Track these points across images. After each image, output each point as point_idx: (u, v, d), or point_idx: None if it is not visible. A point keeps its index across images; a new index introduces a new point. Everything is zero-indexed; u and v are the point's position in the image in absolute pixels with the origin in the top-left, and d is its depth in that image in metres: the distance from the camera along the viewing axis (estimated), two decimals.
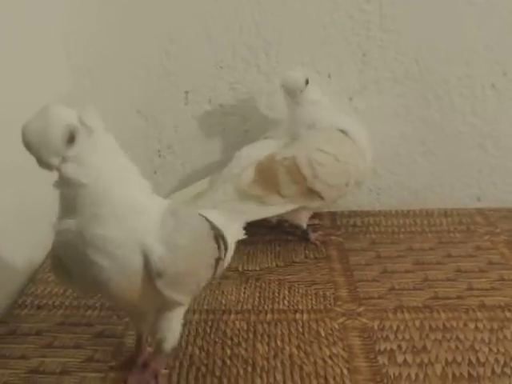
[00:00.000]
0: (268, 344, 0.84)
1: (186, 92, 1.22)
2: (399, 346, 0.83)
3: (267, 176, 1.06)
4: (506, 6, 1.18)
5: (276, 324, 0.88)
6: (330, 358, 0.80)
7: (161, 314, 0.72)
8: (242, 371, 0.78)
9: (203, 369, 0.79)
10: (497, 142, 1.25)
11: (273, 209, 1.07)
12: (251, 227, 1.12)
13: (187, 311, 0.89)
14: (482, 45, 1.20)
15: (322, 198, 1.06)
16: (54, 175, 0.62)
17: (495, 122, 1.24)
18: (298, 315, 0.91)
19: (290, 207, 1.08)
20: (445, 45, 1.19)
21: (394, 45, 1.19)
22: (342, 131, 1.07)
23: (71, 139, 0.59)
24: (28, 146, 0.57)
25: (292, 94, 1.07)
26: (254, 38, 1.19)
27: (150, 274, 0.64)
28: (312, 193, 1.06)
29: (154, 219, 0.66)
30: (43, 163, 0.59)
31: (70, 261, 0.65)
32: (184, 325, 0.86)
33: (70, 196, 0.62)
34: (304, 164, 1.04)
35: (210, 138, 1.25)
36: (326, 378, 0.77)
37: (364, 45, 1.19)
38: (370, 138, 1.10)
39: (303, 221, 1.13)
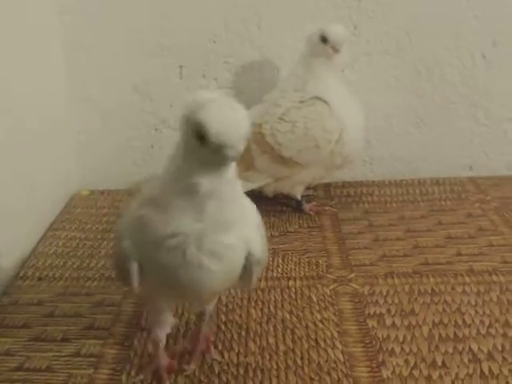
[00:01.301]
0: (261, 310, 0.87)
1: (181, 67, 1.24)
2: (388, 310, 0.86)
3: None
4: None
5: (269, 291, 0.91)
6: (321, 321, 0.83)
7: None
8: (236, 336, 0.81)
9: None
10: (487, 111, 1.27)
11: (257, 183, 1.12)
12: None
13: None
14: (471, 15, 1.21)
15: (298, 163, 1.09)
16: None
17: (485, 92, 1.26)
18: (291, 282, 0.93)
19: (267, 179, 1.12)
20: (435, 16, 1.21)
21: (384, 17, 1.21)
22: (320, 98, 1.09)
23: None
24: (221, 135, 0.54)
25: (336, 45, 1.06)
26: (246, 11, 1.20)
27: (249, 264, 0.65)
28: (285, 160, 1.09)
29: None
30: (232, 155, 0.56)
31: (163, 263, 0.62)
32: None
33: (203, 198, 0.59)
34: (268, 133, 1.08)
35: None
36: (316, 341, 0.79)
37: (355, 17, 1.21)
38: (361, 110, 1.11)
39: (297, 192, 1.16)
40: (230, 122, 0.55)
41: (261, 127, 1.09)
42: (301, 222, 1.13)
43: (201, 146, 0.56)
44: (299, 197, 1.16)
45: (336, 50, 1.06)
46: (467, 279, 0.93)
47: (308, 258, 1.00)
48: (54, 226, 1.13)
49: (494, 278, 0.93)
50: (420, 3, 1.19)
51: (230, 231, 0.62)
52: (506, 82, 1.26)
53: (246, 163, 1.10)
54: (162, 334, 0.74)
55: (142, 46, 1.22)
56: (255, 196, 1.12)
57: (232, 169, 0.60)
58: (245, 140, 0.56)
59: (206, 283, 0.63)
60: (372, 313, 0.85)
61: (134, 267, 0.64)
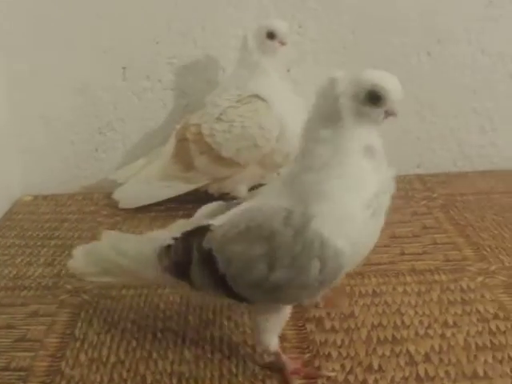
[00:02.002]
0: (199, 316, 0.85)
1: (124, 68, 1.22)
2: (328, 313, 0.84)
3: (182, 147, 1.10)
4: None
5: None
6: None
7: None
8: (171, 344, 0.79)
9: (134, 342, 0.80)
10: (434, 108, 1.27)
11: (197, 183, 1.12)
12: (192, 201, 1.14)
13: (123, 287, 0.92)
14: (416, 13, 1.21)
15: (238, 163, 1.08)
16: None
17: (431, 90, 1.26)
18: None
19: (209, 179, 1.12)
20: (380, 14, 1.21)
21: (329, 15, 1.20)
22: (258, 96, 1.08)
23: None
24: (397, 92, 0.65)
25: (284, 39, 1.06)
26: (189, 12, 1.19)
27: None
28: (225, 160, 1.08)
29: None
30: (393, 111, 0.66)
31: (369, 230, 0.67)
32: (118, 300, 0.89)
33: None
34: (207, 133, 1.08)
35: (150, 114, 1.25)
36: (253, 347, 0.78)
37: (299, 16, 1.20)
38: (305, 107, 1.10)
39: (240, 192, 1.14)
40: (396, 83, 0.65)
41: (200, 127, 1.08)
42: None
43: (373, 107, 0.65)
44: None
45: (284, 43, 1.07)
46: (409, 279, 0.92)
47: None
48: None
49: (436, 277, 0.92)
50: (364, 1, 1.19)
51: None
52: (452, 79, 1.26)
53: (186, 164, 1.10)
54: (277, 340, 0.73)
55: (84, 48, 1.20)
56: (200, 196, 1.14)
57: None
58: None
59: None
60: (311, 316, 0.84)
61: (347, 255, 0.64)
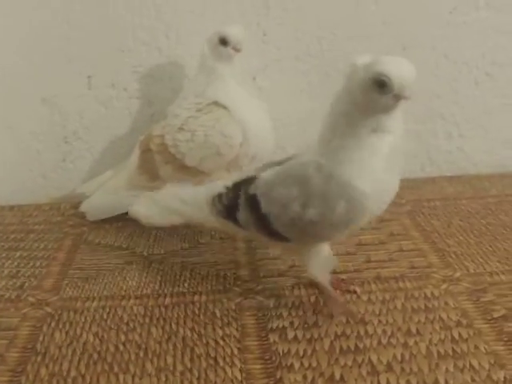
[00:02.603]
0: (163, 327, 0.84)
1: (89, 77, 1.21)
2: (291, 323, 0.84)
3: (146, 158, 1.10)
4: None
5: (173, 307, 0.89)
6: (223, 338, 0.82)
7: None
8: (133, 356, 0.79)
9: (95, 356, 0.79)
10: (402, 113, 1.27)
11: None
12: None
13: (87, 299, 0.91)
14: (380, 19, 1.21)
15: (202, 171, 1.07)
16: None
17: None
18: (196, 297, 0.91)
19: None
20: (344, 21, 1.21)
21: (294, 23, 1.20)
22: (218, 103, 1.07)
23: None
24: (405, 78, 0.70)
25: (237, 45, 1.05)
26: (153, 20, 1.18)
27: None
28: (189, 169, 1.07)
29: None
30: (411, 90, 0.71)
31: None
32: (81, 313, 0.88)
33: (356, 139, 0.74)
34: (170, 143, 1.07)
35: (116, 123, 1.24)
36: (215, 359, 0.78)
37: (264, 23, 1.20)
38: (266, 109, 1.10)
39: None
40: (403, 67, 0.71)
41: (163, 138, 1.08)
42: (213, 233, 1.11)
43: (381, 94, 0.71)
44: None
45: (238, 50, 1.06)
46: (374, 287, 0.92)
47: (217, 270, 0.99)
48: None
49: (401, 284, 0.93)
50: (329, 8, 1.19)
51: None
52: (418, 85, 1.26)
53: (152, 174, 1.09)
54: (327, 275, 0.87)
55: (49, 56, 1.19)
56: None
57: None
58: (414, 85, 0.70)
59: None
60: (275, 327, 0.84)
61: (370, 199, 0.75)
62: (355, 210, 0.76)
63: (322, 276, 0.86)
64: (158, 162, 1.08)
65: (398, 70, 0.70)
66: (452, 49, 1.25)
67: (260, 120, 1.09)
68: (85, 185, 1.21)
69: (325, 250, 0.87)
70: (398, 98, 0.72)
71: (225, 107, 1.07)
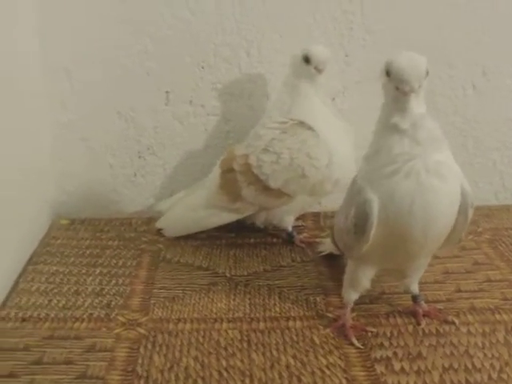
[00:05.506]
0: (263, 354, 0.82)
1: (167, 92, 1.20)
2: (395, 354, 0.82)
3: (228, 178, 1.08)
4: (485, 7, 1.19)
5: (269, 332, 0.87)
6: (328, 367, 0.79)
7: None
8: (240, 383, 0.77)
9: (200, 381, 0.77)
10: (476, 141, 1.26)
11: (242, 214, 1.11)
12: (235, 229, 1.12)
13: (178, 320, 0.89)
14: (462, 46, 1.20)
15: (287, 194, 1.06)
16: None
17: (475, 122, 1.25)
18: (290, 323, 0.89)
19: (256, 209, 1.10)
20: (426, 46, 1.17)
21: (376, 45, 1.19)
22: (303, 124, 1.06)
23: (427, 73, 0.75)
24: (402, 71, 0.74)
25: (319, 65, 1.05)
26: (235, 37, 1.17)
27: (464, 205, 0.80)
28: (272, 190, 1.06)
29: None
30: (411, 85, 0.73)
31: (401, 193, 0.75)
32: (175, 335, 0.86)
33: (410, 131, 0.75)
34: (254, 164, 1.06)
35: (191, 139, 1.23)
36: None
37: (347, 45, 1.19)
38: (350, 131, 1.10)
39: (288, 223, 1.13)
40: (409, 61, 0.74)
41: (247, 158, 1.06)
42: (293, 255, 1.10)
43: (388, 82, 0.76)
44: (290, 228, 1.13)
45: (319, 70, 1.05)
46: (470, 318, 0.90)
47: (305, 295, 0.97)
48: (35, 260, 1.07)
49: (497, 316, 0.90)
50: (411, 32, 1.18)
51: (442, 151, 0.77)
52: (495, 112, 1.25)
53: (233, 194, 1.08)
54: (354, 296, 0.88)
55: (127, 70, 1.18)
56: (243, 224, 1.12)
57: (422, 105, 0.76)
58: (420, 81, 0.74)
59: (437, 208, 0.75)
60: (379, 357, 0.82)
61: (375, 206, 0.76)
62: (360, 216, 0.78)
63: (348, 297, 0.88)
64: (240, 183, 1.07)
65: (401, 61, 0.75)
66: None
67: (344, 142, 1.08)
68: (162, 202, 1.20)
69: (360, 270, 0.86)
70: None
71: (310, 128, 1.05)
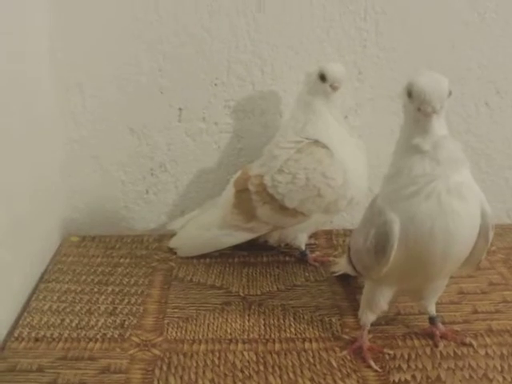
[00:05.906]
0: (280, 377, 0.81)
1: (180, 109, 1.19)
2: (413, 377, 0.81)
3: (243, 197, 1.08)
4: (498, 25, 1.19)
5: (285, 354, 0.86)
6: None
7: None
8: None
9: None
10: (489, 159, 1.26)
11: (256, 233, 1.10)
12: (248, 248, 1.11)
13: (193, 341, 0.88)
14: (475, 64, 1.20)
15: (303, 213, 1.06)
16: None
17: (488, 140, 1.24)
18: (306, 344, 0.88)
19: (271, 228, 1.09)
20: (440, 63, 1.19)
21: (389, 63, 1.19)
22: (318, 142, 1.06)
23: (449, 94, 0.75)
24: (424, 92, 0.72)
25: (335, 83, 1.05)
26: (249, 55, 1.17)
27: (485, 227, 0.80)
28: (288, 210, 1.05)
29: None
30: (432, 106, 0.73)
31: (422, 215, 0.75)
32: (190, 356, 0.85)
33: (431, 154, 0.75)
34: (269, 184, 1.06)
35: (204, 157, 1.22)
36: None
37: (360, 62, 1.19)
38: (363, 149, 1.10)
39: (301, 241, 1.12)
40: (431, 82, 0.73)
41: (262, 178, 1.06)
42: (307, 274, 1.09)
43: (410, 103, 0.75)
44: (303, 246, 1.13)
45: (335, 88, 1.05)
46: (488, 340, 0.89)
47: (320, 315, 0.96)
48: (46, 278, 1.07)
49: None
50: (425, 50, 1.18)
51: (461, 172, 0.75)
52: (508, 130, 1.25)
53: (248, 214, 1.07)
54: (372, 318, 0.87)
55: (140, 87, 1.17)
56: (256, 243, 1.11)
57: (443, 126, 0.76)
58: (442, 102, 0.73)
59: (458, 230, 0.75)
60: (397, 380, 0.81)
61: (396, 228, 0.75)
62: (381, 237, 0.78)
63: (365, 319, 0.88)
64: (255, 202, 1.06)
65: (423, 83, 0.74)
66: None
67: (357, 160, 1.07)
68: (175, 222, 1.19)
69: (378, 291, 0.86)
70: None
71: (325, 146, 1.05)
